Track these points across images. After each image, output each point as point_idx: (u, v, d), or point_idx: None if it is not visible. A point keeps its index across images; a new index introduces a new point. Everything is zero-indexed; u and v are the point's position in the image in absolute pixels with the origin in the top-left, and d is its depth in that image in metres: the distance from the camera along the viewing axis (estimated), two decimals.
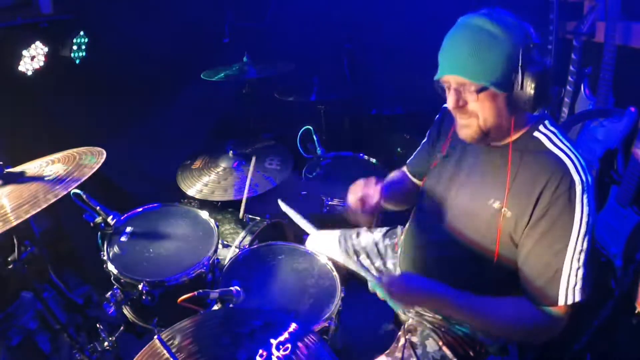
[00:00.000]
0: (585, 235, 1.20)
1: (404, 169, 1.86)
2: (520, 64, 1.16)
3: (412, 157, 1.81)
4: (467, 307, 1.30)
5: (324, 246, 1.95)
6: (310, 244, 2.05)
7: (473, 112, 1.25)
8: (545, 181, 1.21)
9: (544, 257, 1.23)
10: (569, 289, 1.21)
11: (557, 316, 1.25)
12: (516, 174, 1.28)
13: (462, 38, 1.22)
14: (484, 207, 1.33)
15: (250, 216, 2.48)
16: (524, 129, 1.30)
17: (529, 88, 1.17)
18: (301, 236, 2.32)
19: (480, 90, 1.20)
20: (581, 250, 1.20)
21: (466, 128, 1.30)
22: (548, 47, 2.42)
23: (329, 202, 2.30)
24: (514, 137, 1.30)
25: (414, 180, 1.80)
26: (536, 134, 1.28)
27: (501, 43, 1.17)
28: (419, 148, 1.77)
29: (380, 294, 1.32)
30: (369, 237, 1.95)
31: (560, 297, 1.22)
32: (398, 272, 1.77)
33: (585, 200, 1.19)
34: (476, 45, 1.18)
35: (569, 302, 1.22)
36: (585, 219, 1.19)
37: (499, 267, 1.34)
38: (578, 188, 1.19)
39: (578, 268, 1.21)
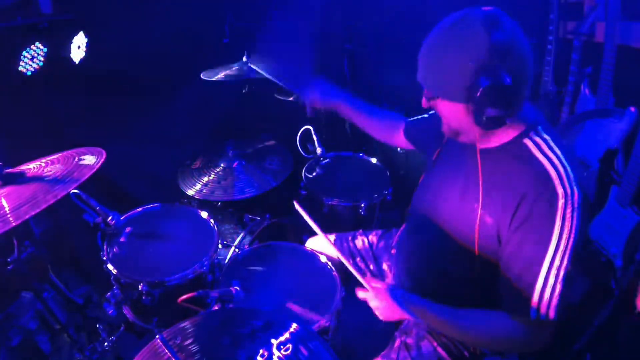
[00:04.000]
0: (565, 252, 1.15)
1: (400, 124, 1.83)
2: (468, 77, 1.12)
3: (413, 119, 1.80)
4: (449, 322, 1.33)
5: (323, 247, 1.97)
6: (311, 244, 2.06)
7: (440, 113, 1.29)
8: (526, 191, 1.18)
9: (519, 268, 1.20)
10: (542, 303, 1.17)
11: (535, 332, 1.22)
12: (498, 180, 1.26)
13: (426, 47, 1.22)
14: (468, 212, 1.32)
15: (250, 216, 2.48)
16: (513, 134, 1.26)
17: (483, 102, 1.13)
18: (301, 236, 2.32)
19: (431, 98, 1.25)
20: (559, 267, 1.15)
21: (442, 124, 1.34)
22: (548, 47, 2.43)
23: (329, 202, 2.29)
24: (500, 141, 1.28)
25: (401, 136, 1.80)
26: (526, 140, 1.24)
27: (453, 56, 1.14)
28: (421, 117, 1.76)
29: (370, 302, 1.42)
30: (365, 240, 1.96)
31: (532, 312, 1.19)
32: (393, 273, 1.77)
33: (567, 215, 1.14)
34: (432, 56, 1.20)
35: (542, 318, 1.18)
36: (565, 235, 1.14)
37: (483, 272, 1.33)
38: (560, 201, 1.14)
39: (555, 284, 1.16)
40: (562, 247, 1.15)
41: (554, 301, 1.17)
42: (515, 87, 1.13)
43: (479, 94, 1.12)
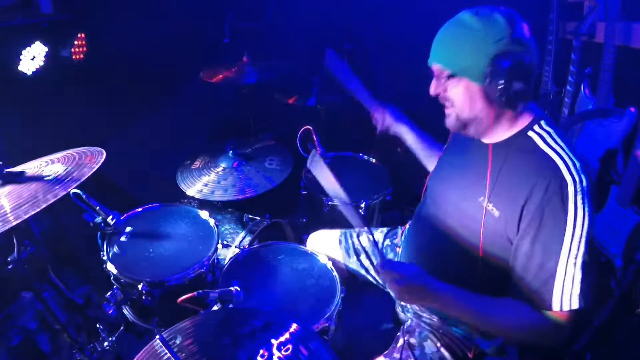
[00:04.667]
0: (580, 239, 1.17)
1: None
2: (491, 57, 1.17)
3: None
4: (468, 308, 1.28)
5: (324, 245, 1.97)
6: (310, 243, 2.06)
7: (450, 100, 1.30)
8: (535, 181, 1.20)
9: (538, 260, 1.21)
10: (564, 294, 1.19)
11: (558, 322, 1.22)
12: (505, 173, 1.27)
13: (445, 29, 1.27)
14: (473, 206, 1.33)
15: (250, 216, 2.48)
16: (518, 128, 1.29)
17: (501, 81, 1.17)
18: (301, 236, 2.32)
19: (450, 76, 1.26)
20: (577, 255, 1.17)
21: (448, 117, 1.34)
22: (548, 47, 2.43)
23: (329, 202, 2.29)
24: (506, 135, 1.30)
25: None
26: (530, 133, 1.27)
27: (476, 35, 1.19)
28: None
29: (383, 279, 1.30)
30: (370, 238, 1.96)
31: (554, 302, 1.20)
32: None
33: (579, 202, 1.16)
34: (453, 36, 1.24)
35: (565, 308, 1.19)
36: (580, 221, 1.16)
37: (486, 266, 1.33)
38: (570, 189, 1.16)
39: (574, 273, 1.18)
40: (577, 235, 1.17)
41: (576, 290, 1.18)
42: (531, 75, 1.20)
43: (504, 69, 1.16)
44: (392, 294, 1.31)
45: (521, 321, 1.25)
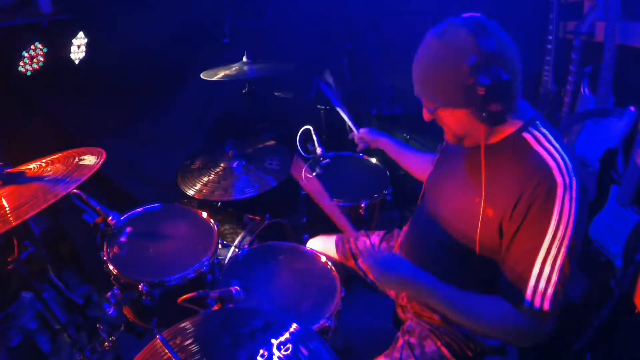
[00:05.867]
0: (562, 241, 1.15)
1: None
2: (467, 84, 1.16)
3: None
4: (448, 299, 1.29)
5: (323, 247, 1.97)
6: (311, 245, 2.06)
7: (442, 123, 1.34)
8: (527, 180, 1.20)
9: (517, 255, 1.22)
10: (537, 292, 1.18)
11: (535, 322, 1.21)
12: (499, 174, 1.28)
13: (418, 62, 1.28)
14: (470, 206, 1.34)
15: (250, 216, 2.48)
16: (512, 129, 1.29)
17: (482, 104, 1.18)
18: (301, 236, 2.32)
19: (433, 110, 1.30)
20: (556, 256, 1.16)
21: (445, 133, 1.39)
22: (548, 46, 2.43)
23: (329, 202, 2.29)
24: (500, 137, 1.31)
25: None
26: (524, 134, 1.27)
27: (447, 64, 1.19)
28: None
29: (366, 266, 1.40)
30: (367, 241, 1.96)
31: (526, 299, 1.19)
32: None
33: (566, 204, 1.15)
34: (425, 70, 1.26)
35: (536, 307, 1.18)
36: (564, 223, 1.15)
37: (483, 266, 1.34)
38: (559, 190, 1.15)
39: (550, 274, 1.17)
40: (559, 236, 1.16)
41: (550, 292, 1.18)
42: (512, 81, 1.18)
43: (482, 93, 1.16)
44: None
45: (498, 318, 1.25)
